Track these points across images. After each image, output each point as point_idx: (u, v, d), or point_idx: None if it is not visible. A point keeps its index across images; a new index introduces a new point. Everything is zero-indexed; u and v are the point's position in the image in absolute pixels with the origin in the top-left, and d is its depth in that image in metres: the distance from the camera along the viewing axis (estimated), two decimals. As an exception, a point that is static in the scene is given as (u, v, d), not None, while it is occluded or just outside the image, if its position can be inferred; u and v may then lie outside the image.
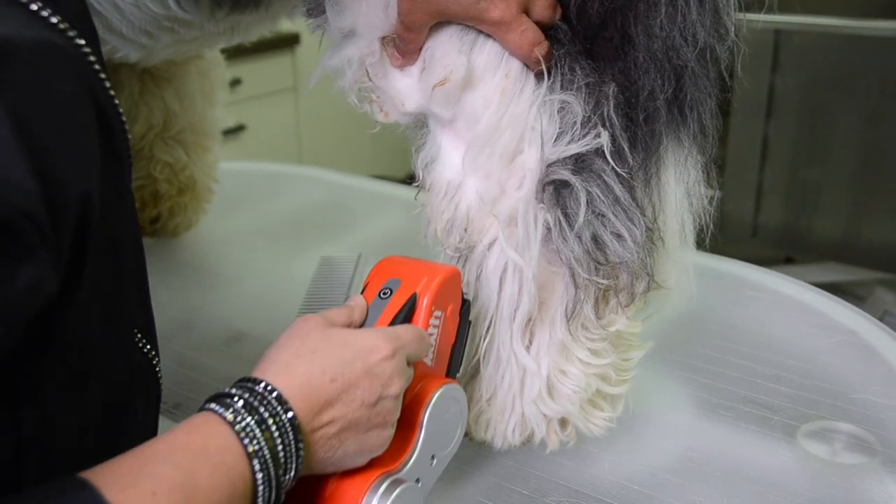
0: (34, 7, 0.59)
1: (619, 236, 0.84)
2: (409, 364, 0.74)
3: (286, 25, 1.28)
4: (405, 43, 0.83)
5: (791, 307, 1.29)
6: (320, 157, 3.52)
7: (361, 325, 0.78)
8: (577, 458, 0.96)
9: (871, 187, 2.56)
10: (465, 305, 0.84)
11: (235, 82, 3.12)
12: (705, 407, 1.05)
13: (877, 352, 1.15)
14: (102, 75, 0.63)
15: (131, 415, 0.70)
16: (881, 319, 1.33)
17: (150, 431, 0.74)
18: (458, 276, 0.82)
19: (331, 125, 3.55)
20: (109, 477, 0.55)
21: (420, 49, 0.84)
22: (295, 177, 1.93)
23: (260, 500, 0.61)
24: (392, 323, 0.77)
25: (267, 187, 1.86)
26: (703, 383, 1.10)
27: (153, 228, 1.53)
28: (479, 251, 0.88)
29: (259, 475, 0.61)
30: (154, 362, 0.73)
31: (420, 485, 0.77)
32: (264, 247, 1.57)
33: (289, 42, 3.32)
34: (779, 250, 2.83)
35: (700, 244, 1.00)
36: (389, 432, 0.72)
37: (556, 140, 0.83)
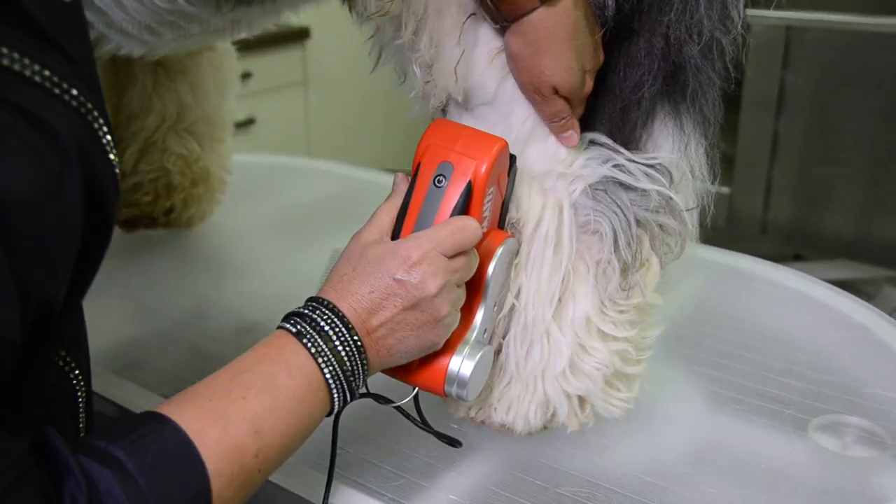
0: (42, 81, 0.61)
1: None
2: (454, 255, 0.79)
3: (296, 19, 1.28)
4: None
5: (802, 302, 1.29)
6: (330, 150, 3.53)
7: (407, 204, 0.82)
8: (590, 449, 0.96)
9: (882, 184, 2.55)
10: (513, 165, 0.87)
11: (246, 76, 3.12)
12: (717, 400, 1.06)
13: (888, 347, 1.15)
14: (104, 139, 0.66)
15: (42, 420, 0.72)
16: (891, 316, 1.33)
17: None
18: (507, 147, 0.84)
19: (340, 119, 3.56)
20: (208, 388, 0.68)
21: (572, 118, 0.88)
22: (305, 170, 1.94)
23: (334, 391, 0.74)
24: (453, 214, 0.81)
25: (277, 180, 1.86)
26: (714, 377, 1.10)
27: (167, 220, 1.53)
28: (529, 229, 0.89)
29: (326, 370, 0.73)
30: (72, 378, 0.75)
31: (487, 334, 0.86)
32: (275, 239, 1.58)
33: (299, 36, 3.33)
34: (788, 247, 2.82)
35: (709, 240, 1.01)
36: (446, 325, 0.80)
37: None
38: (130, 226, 1.53)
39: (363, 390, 0.79)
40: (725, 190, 2.70)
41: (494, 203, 0.85)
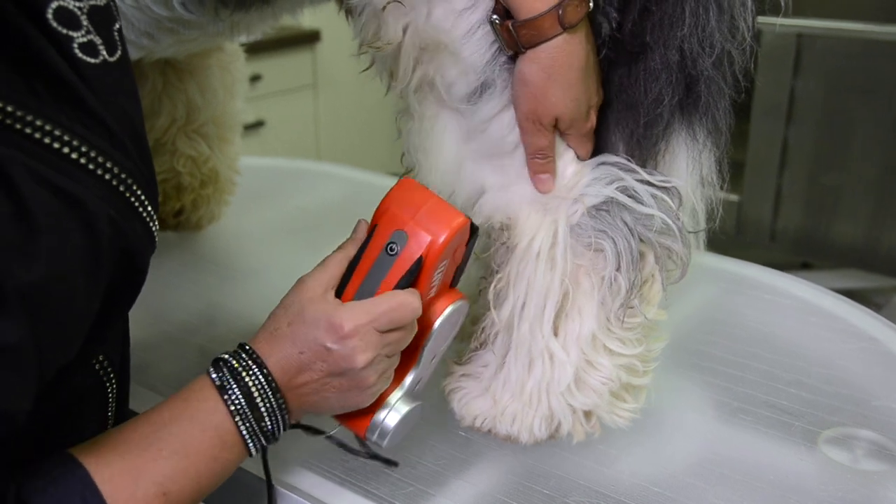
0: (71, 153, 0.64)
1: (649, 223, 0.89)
2: (390, 330, 0.80)
3: (307, 22, 1.28)
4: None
5: (812, 312, 1.28)
6: (339, 153, 3.53)
7: (356, 263, 0.82)
8: (598, 459, 0.96)
9: (892, 193, 2.54)
10: (473, 235, 0.87)
11: (255, 78, 3.13)
12: (726, 411, 1.05)
13: (898, 359, 1.15)
14: (140, 207, 0.70)
15: (71, 422, 0.76)
16: (901, 327, 1.32)
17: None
18: (467, 224, 0.84)
19: (350, 122, 3.56)
20: (126, 441, 0.70)
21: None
22: (314, 173, 1.94)
23: (251, 447, 0.76)
24: (397, 285, 0.81)
25: (286, 183, 1.86)
26: (723, 387, 1.10)
27: (176, 221, 1.53)
28: (521, 248, 0.90)
29: (243, 428, 0.75)
30: (106, 382, 0.78)
31: (420, 385, 0.88)
32: (283, 243, 1.58)
33: (309, 39, 3.33)
34: (797, 255, 2.81)
35: (718, 247, 1.01)
36: (371, 393, 0.81)
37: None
38: (140, 228, 1.53)
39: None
40: (735, 197, 2.69)
41: (447, 272, 0.86)
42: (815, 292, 1.32)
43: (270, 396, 0.76)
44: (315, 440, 0.88)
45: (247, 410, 0.75)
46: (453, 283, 0.89)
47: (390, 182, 0.86)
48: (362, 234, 0.85)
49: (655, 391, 0.98)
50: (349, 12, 0.92)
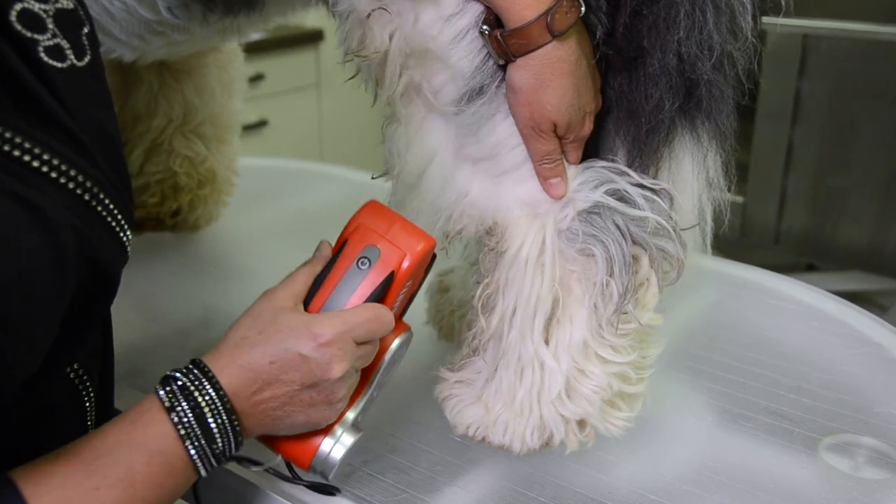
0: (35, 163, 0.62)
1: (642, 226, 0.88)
2: (364, 343, 0.78)
3: (310, 21, 1.28)
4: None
5: (814, 317, 1.27)
6: (342, 153, 3.52)
7: (324, 277, 0.81)
8: (595, 466, 0.95)
9: (897, 195, 2.52)
10: (432, 260, 0.87)
11: (258, 77, 3.12)
12: (726, 417, 1.04)
13: (901, 365, 1.13)
14: (109, 217, 0.69)
15: (46, 434, 0.74)
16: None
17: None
18: (434, 246, 0.84)
19: (353, 121, 3.55)
20: (65, 467, 0.65)
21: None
22: (316, 174, 1.93)
23: (201, 470, 0.72)
24: (367, 300, 0.80)
25: (288, 184, 1.85)
26: (723, 393, 1.09)
27: (174, 222, 1.53)
28: (510, 254, 0.89)
29: (193, 452, 0.70)
30: (82, 390, 0.77)
31: (361, 418, 0.84)
32: (284, 244, 1.56)
33: (313, 38, 3.32)
34: (801, 257, 2.80)
35: (722, 249, 1.00)
36: (337, 409, 0.78)
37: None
38: (137, 228, 1.52)
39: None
40: (739, 199, 2.67)
41: (407, 295, 0.86)
42: (817, 296, 1.31)
43: (223, 415, 0.71)
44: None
45: (197, 431, 0.70)
46: (403, 313, 0.88)
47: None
48: (327, 253, 0.84)
49: (654, 396, 0.97)
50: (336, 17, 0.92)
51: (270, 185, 1.83)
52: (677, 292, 0.95)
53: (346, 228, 0.84)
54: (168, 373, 0.73)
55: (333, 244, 0.85)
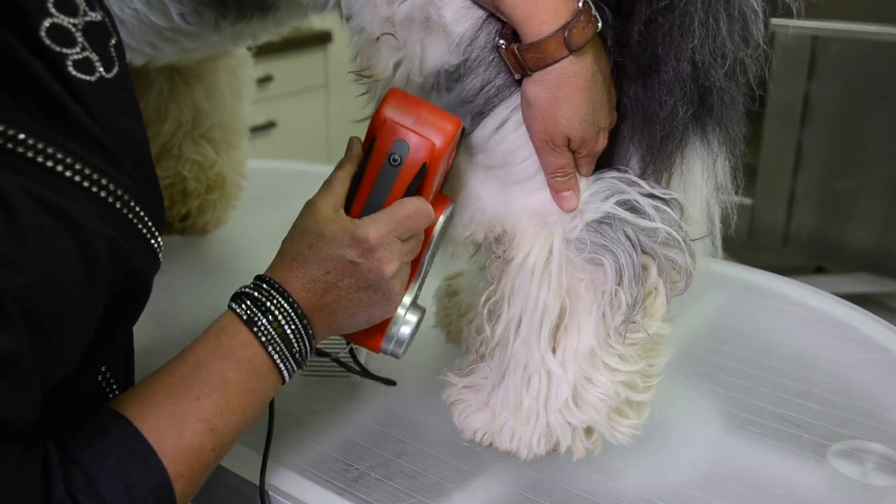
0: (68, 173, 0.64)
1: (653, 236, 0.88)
2: (408, 238, 0.83)
3: (319, 23, 1.28)
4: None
5: (822, 321, 1.27)
6: (350, 155, 3.52)
7: (360, 178, 0.84)
8: (602, 472, 0.95)
9: (906, 198, 2.52)
10: (463, 136, 0.88)
11: (267, 79, 3.13)
12: (733, 422, 1.04)
13: (911, 370, 1.13)
14: (140, 224, 0.71)
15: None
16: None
17: None
18: (461, 126, 0.85)
19: (361, 124, 3.56)
20: (164, 386, 0.73)
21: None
22: (324, 176, 1.88)
23: (285, 374, 0.79)
24: (405, 195, 0.83)
25: (296, 186, 1.84)
26: (731, 398, 1.08)
27: (182, 226, 1.53)
28: (516, 262, 0.89)
29: (276, 357, 0.77)
30: (108, 392, 0.79)
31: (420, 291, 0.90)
32: (291, 246, 1.57)
33: (321, 39, 3.33)
34: (810, 259, 2.79)
35: (731, 251, 0.99)
36: (395, 302, 0.84)
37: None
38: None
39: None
40: (748, 201, 2.67)
41: (442, 176, 0.87)
42: (826, 300, 1.31)
43: (297, 320, 0.78)
44: (312, 449, 0.87)
45: (276, 338, 0.77)
46: (441, 187, 0.90)
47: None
48: (358, 151, 0.86)
49: (661, 402, 0.96)
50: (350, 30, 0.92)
51: (278, 187, 1.83)
52: (685, 296, 0.95)
53: (372, 123, 0.85)
54: (239, 290, 0.80)
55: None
